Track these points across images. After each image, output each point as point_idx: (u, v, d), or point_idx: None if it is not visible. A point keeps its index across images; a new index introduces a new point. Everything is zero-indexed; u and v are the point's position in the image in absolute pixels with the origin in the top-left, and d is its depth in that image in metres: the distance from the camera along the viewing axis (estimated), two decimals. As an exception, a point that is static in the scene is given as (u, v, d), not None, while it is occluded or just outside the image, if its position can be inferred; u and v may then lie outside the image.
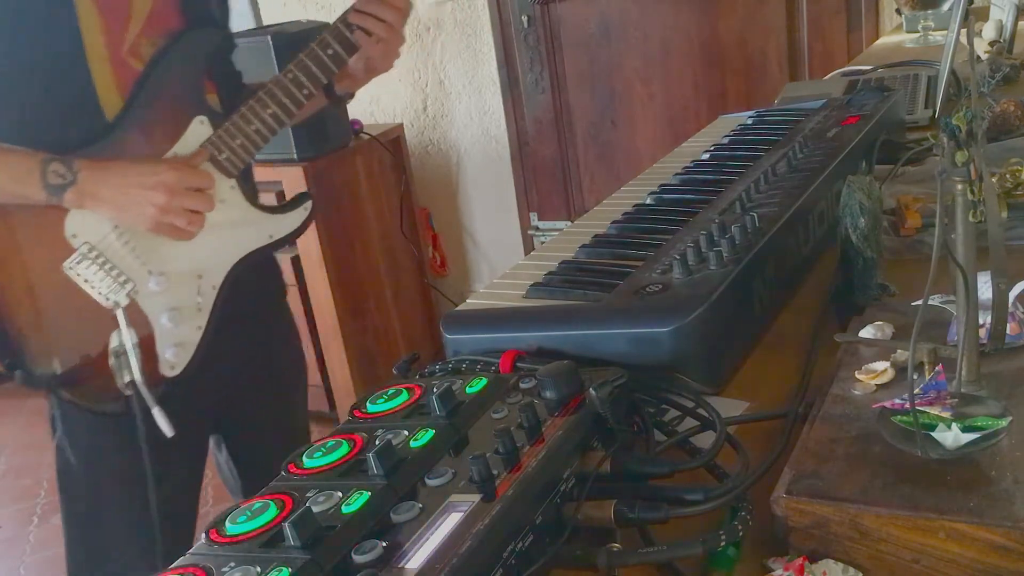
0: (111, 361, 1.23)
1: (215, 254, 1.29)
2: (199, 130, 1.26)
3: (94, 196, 1.19)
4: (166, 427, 1.24)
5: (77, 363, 1.25)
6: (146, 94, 1.23)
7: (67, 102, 1.22)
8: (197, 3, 1.30)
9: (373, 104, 3.73)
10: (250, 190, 1.32)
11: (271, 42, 2.71)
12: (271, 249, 1.34)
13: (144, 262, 1.24)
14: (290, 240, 1.35)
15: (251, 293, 1.38)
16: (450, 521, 0.64)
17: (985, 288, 0.76)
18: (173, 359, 1.27)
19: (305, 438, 1.62)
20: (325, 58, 1.28)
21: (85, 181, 1.18)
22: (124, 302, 1.22)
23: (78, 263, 1.21)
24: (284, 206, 1.34)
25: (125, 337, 1.22)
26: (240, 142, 1.27)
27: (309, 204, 1.36)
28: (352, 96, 1.44)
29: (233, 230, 1.29)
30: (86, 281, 1.21)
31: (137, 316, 1.24)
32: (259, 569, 0.61)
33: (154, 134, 1.24)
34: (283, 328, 1.59)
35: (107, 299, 1.22)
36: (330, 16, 3.52)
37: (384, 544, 0.63)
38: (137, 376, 1.22)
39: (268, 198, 3.27)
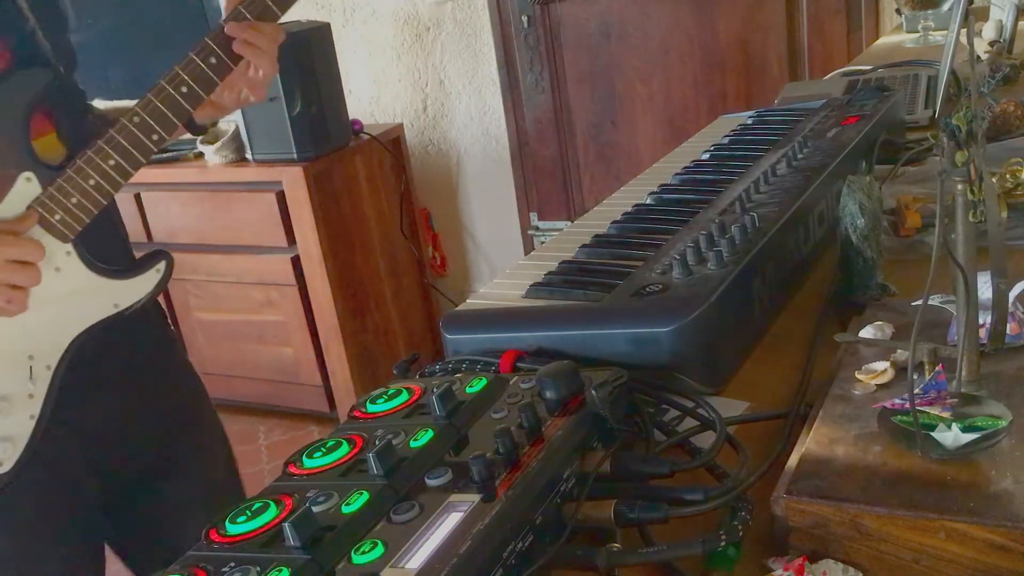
0: None
1: (49, 331, 1.11)
2: (25, 189, 1.08)
3: None
4: None
5: None
6: None
7: None
8: (20, 36, 1.11)
9: (373, 104, 3.73)
10: (94, 252, 1.13)
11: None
12: (118, 319, 1.15)
13: None
14: (141, 305, 1.17)
15: (115, 355, 1.22)
16: (450, 521, 0.64)
17: (985, 288, 0.76)
18: (1, 455, 1.09)
19: (228, 492, 1.41)
20: (179, 98, 1.10)
21: None
22: None
23: None
24: (134, 268, 1.16)
25: None
26: (76, 201, 1.08)
27: (163, 265, 1.18)
28: (215, 124, 1.28)
29: (70, 301, 1.11)
30: None
31: None
32: (259, 569, 0.61)
33: None
34: (166, 377, 1.35)
35: None
36: (330, 16, 3.53)
37: (384, 544, 0.63)
38: None
39: (268, 198, 3.27)
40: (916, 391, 0.70)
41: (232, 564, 0.63)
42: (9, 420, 1.09)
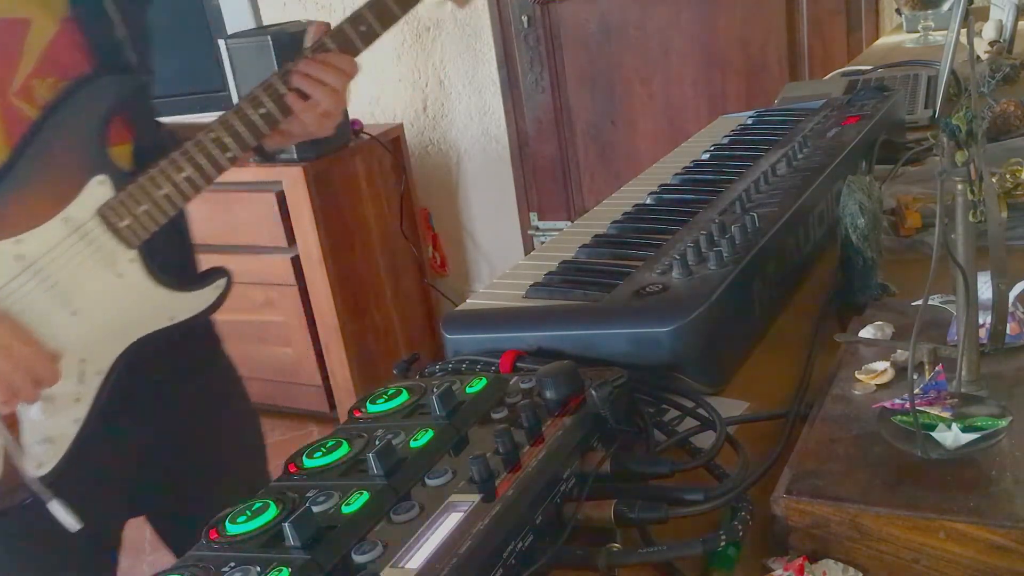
0: None
1: (103, 336, 1.10)
2: (98, 191, 1.08)
3: None
4: (69, 521, 1.06)
5: None
6: (38, 145, 1.06)
7: None
8: (108, 43, 1.11)
9: (373, 104, 3.73)
10: (160, 261, 1.13)
11: (271, 42, 2.72)
12: (172, 331, 1.15)
13: None
14: (196, 321, 1.17)
15: (162, 369, 1.21)
16: (450, 521, 0.64)
17: (985, 288, 0.76)
18: (41, 456, 1.08)
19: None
20: (256, 119, 1.12)
21: None
22: None
23: None
24: (195, 281, 1.17)
25: None
26: (146, 208, 1.09)
27: (223, 282, 1.19)
28: (283, 151, 1.30)
29: (128, 308, 1.11)
30: None
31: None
32: (259, 569, 0.61)
33: (44, 192, 1.07)
34: (217, 393, 1.36)
35: None
36: (330, 16, 3.53)
37: (384, 544, 0.63)
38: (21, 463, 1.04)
39: (268, 198, 3.27)
40: (916, 391, 0.70)
41: (232, 564, 0.63)
42: (53, 421, 1.08)
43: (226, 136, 1.11)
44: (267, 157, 1.25)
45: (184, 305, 1.16)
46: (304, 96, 1.14)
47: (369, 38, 1.16)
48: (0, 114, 1.05)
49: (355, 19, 1.16)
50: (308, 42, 1.16)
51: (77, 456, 1.09)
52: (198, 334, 1.31)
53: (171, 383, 1.25)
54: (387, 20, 1.16)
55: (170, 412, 1.26)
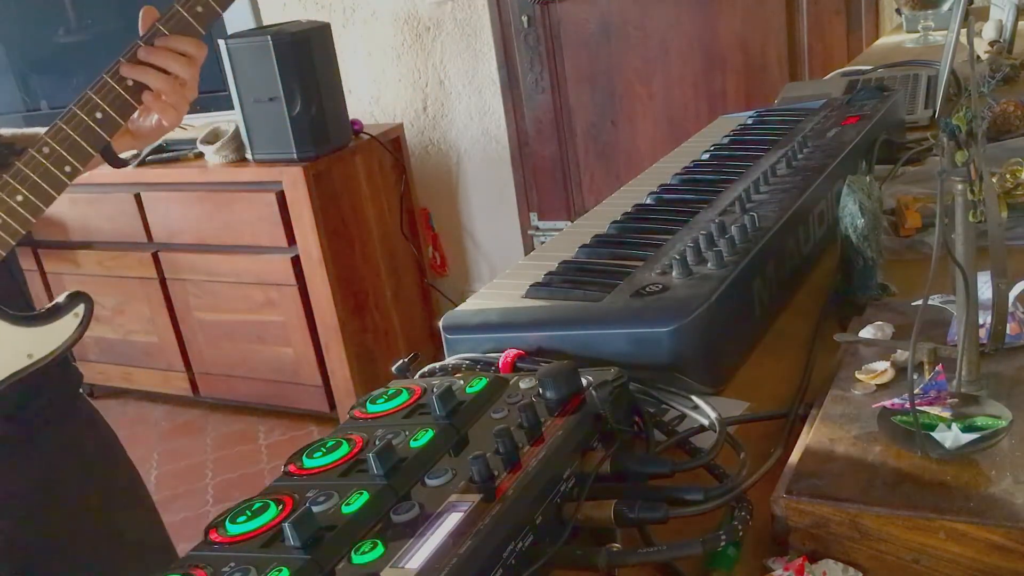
0: None
1: None
2: None
3: None
4: None
5: None
6: None
7: None
8: None
9: (373, 104, 3.73)
10: (4, 297, 1.04)
11: (271, 42, 2.72)
12: (33, 370, 1.05)
13: None
14: (58, 357, 1.06)
15: (25, 415, 1.12)
16: (450, 521, 0.64)
17: (985, 288, 0.76)
18: None
19: (154, 542, 1.27)
20: (93, 125, 1.00)
21: None
22: None
23: None
24: (48, 313, 1.06)
25: None
26: None
27: (81, 309, 1.06)
28: (137, 157, 1.18)
29: None
30: None
31: None
32: (259, 569, 0.61)
33: None
34: (86, 441, 1.24)
35: None
36: (330, 16, 3.54)
37: (384, 544, 0.63)
38: None
39: (268, 198, 3.27)
40: (916, 391, 0.70)
41: (232, 564, 0.63)
42: None
43: (61, 149, 1.00)
44: (120, 164, 1.11)
45: (41, 339, 1.04)
46: (143, 88, 1.03)
47: (208, 17, 1.05)
48: None
49: (187, 0, 1.05)
50: (141, 30, 1.05)
51: None
52: (54, 377, 1.19)
53: (35, 430, 1.15)
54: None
55: (40, 461, 1.15)
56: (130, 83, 1.02)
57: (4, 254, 1.00)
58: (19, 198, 0.99)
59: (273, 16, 3.58)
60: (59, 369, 1.18)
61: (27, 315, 1.04)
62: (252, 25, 3.50)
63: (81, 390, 1.27)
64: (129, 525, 1.25)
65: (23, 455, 1.13)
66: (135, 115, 1.06)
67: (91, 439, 1.25)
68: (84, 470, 1.22)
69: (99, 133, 1.01)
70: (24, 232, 1.01)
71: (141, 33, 1.04)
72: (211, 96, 3.10)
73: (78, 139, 1.00)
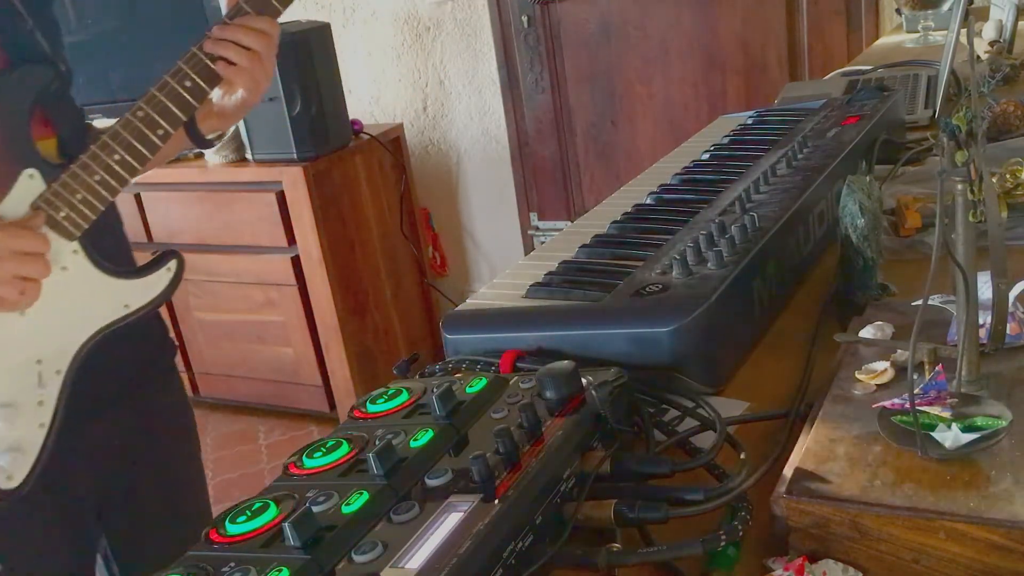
0: None
1: (57, 334, 1.06)
2: (29, 186, 1.04)
3: None
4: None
5: None
6: None
7: None
8: (14, 34, 1.09)
9: (373, 104, 3.73)
10: (103, 251, 1.10)
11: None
12: (129, 320, 1.11)
13: None
14: (153, 309, 1.13)
15: (122, 368, 1.20)
16: (450, 521, 0.64)
17: (985, 288, 0.76)
18: (9, 468, 1.04)
19: (204, 520, 1.31)
20: (183, 92, 1.08)
21: None
22: None
23: None
24: (143, 268, 1.12)
25: None
26: (82, 197, 1.05)
27: (174, 264, 1.13)
28: (222, 139, 1.25)
29: (78, 302, 1.07)
30: None
31: None
32: (259, 569, 0.61)
33: None
34: (171, 404, 1.36)
35: None
36: (330, 16, 3.54)
37: (384, 544, 0.63)
38: None
39: (268, 198, 3.27)
40: (916, 391, 0.70)
41: (232, 564, 0.63)
42: (17, 429, 1.04)
43: (154, 112, 1.07)
44: (206, 144, 1.21)
45: (137, 291, 1.11)
46: (228, 63, 1.10)
47: (286, 1, 1.14)
48: None
49: None
50: (224, 10, 1.13)
51: (47, 465, 1.06)
52: (155, 339, 1.32)
53: (132, 389, 1.24)
54: None
55: (132, 419, 1.25)
56: (214, 58, 1.10)
57: (103, 208, 1.07)
58: (116, 157, 1.06)
59: (273, 16, 3.57)
60: (158, 334, 1.33)
61: (124, 269, 1.12)
62: (252, 25, 3.50)
63: (174, 363, 1.38)
64: (189, 495, 1.38)
65: (124, 411, 1.24)
66: (219, 95, 1.15)
67: (179, 405, 1.37)
68: (169, 433, 1.34)
69: (188, 100, 1.09)
70: (120, 189, 1.08)
71: (226, 11, 1.13)
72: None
73: (169, 104, 1.08)
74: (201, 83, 1.09)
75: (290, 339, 3.21)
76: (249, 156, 3.04)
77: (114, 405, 1.21)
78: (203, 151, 3.11)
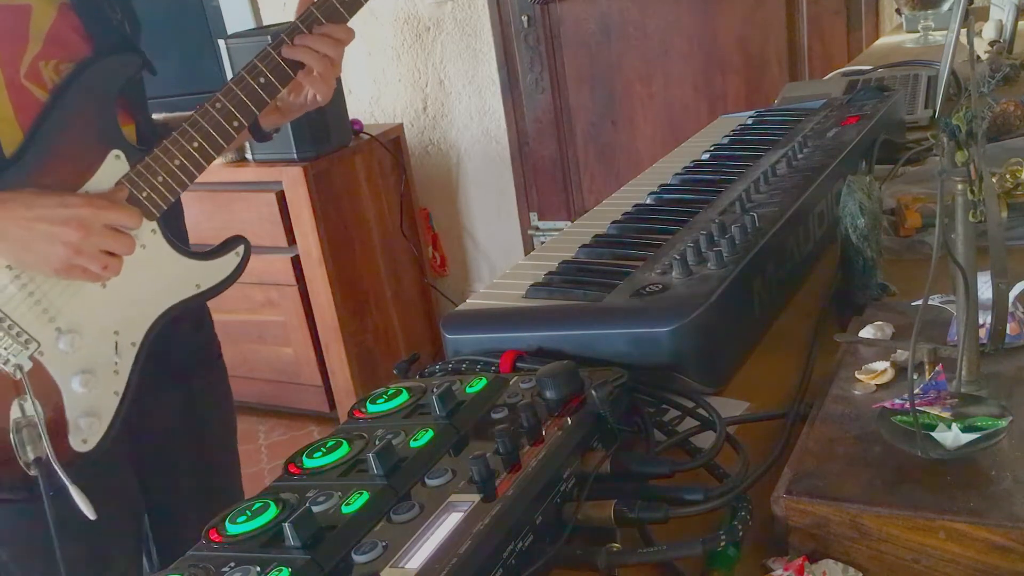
0: (11, 437, 1.03)
1: (134, 307, 1.12)
2: (115, 166, 1.11)
3: None
4: (87, 509, 1.04)
5: None
6: (52, 126, 1.08)
7: None
8: (104, 25, 1.15)
9: (373, 104, 3.73)
10: (175, 233, 1.17)
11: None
12: (199, 300, 1.18)
13: (51, 317, 1.07)
14: (221, 290, 1.19)
15: (179, 350, 1.27)
16: (450, 521, 0.64)
17: (985, 288, 0.76)
18: (87, 430, 1.09)
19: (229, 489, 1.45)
20: (257, 88, 1.15)
21: None
22: (27, 365, 1.05)
23: None
24: (214, 251, 1.19)
25: (30, 406, 1.03)
26: (162, 179, 1.12)
27: (242, 248, 1.19)
28: (277, 131, 1.31)
29: (155, 279, 1.14)
30: None
31: (43, 381, 1.07)
32: (259, 569, 0.61)
33: (62, 171, 1.08)
34: (216, 392, 1.42)
35: (6, 362, 1.04)
36: (330, 16, 3.53)
37: (384, 544, 0.63)
38: (48, 451, 1.03)
39: (268, 198, 3.27)
40: (916, 391, 0.70)
41: (232, 564, 0.63)
42: (95, 394, 1.10)
43: (230, 105, 1.14)
44: (262, 137, 1.26)
45: (208, 272, 1.18)
46: (300, 65, 1.17)
47: (354, 6, 1.18)
48: (12, 98, 1.07)
49: None
50: (296, 12, 1.18)
51: (117, 431, 1.12)
52: (207, 328, 1.41)
53: (187, 371, 1.32)
54: None
55: (180, 401, 1.32)
56: (287, 60, 1.16)
57: (181, 191, 1.14)
58: (195, 144, 1.13)
59: (273, 16, 3.58)
60: (209, 324, 1.42)
61: (197, 251, 1.18)
62: (252, 25, 3.50)
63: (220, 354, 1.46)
64: (226, 481, 1.44)
65: (177, 392, 1.30)
66: (285, 93, 1.20)
67: (222, 394, 1.44)
68: (212, 419, 1.40)
69: (261, 95, 1.15)
70: (198, 174, 1.14)
71: (296, 15, 1.18)
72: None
73: (245, 98, 1.14)
74: (275, 81, 1.16)
75: (290, 339, 3.21)
76: (249, 156, 3.04)
77: (169, 386, 1.27)
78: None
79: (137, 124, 1.19)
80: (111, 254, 1.07)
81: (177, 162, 1.12)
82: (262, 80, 1.15)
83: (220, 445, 1.43)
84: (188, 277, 1.16)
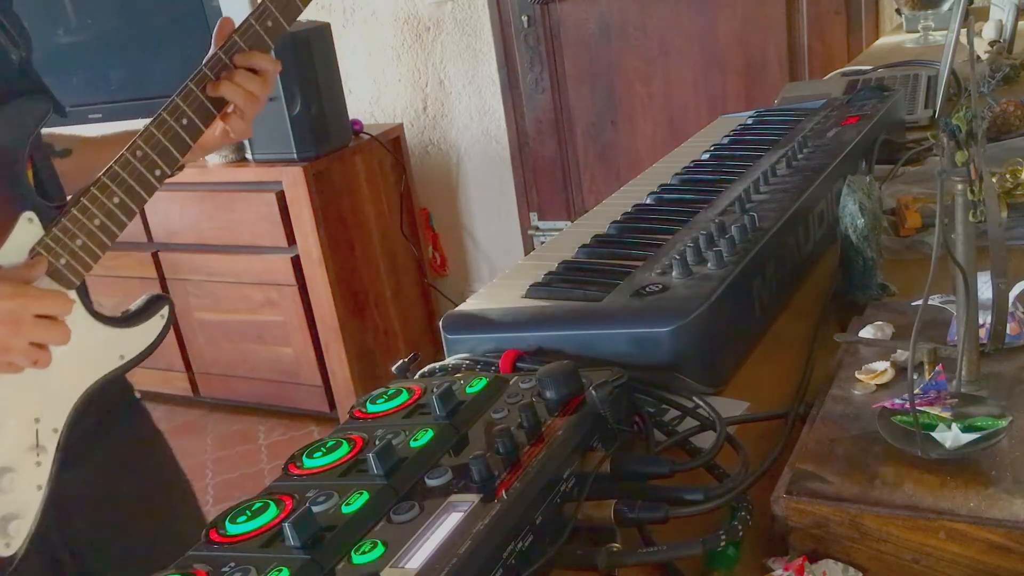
0: None
1: (55, 389, 1.00)
2: (28, 231, 0.97)
3: None
4: None
5: None
6: None
7: None
8: (15, 70, 1.02)
9: (373, 104, 3.73)
10: (90, 300, 1.05)
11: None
12: (123, 372, 1.06)
13: None
14: (145, 358, 1.07)
15: (96, 416, 1.12)
16: (450, 521, 0.64)
17: (985, 288, 0.76)
18: (12, 534, 0.97)
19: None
20: (180, 130, 1.04)
21: None
22: None
23: None
24: (135, 315, 1.07)
25: None
26: (82, 243, 0.99)
27: (166, 311, 1.08)
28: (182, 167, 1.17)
29: (76, 355, 1.01)
30: None
31: None
32: (259, 569, 0.61)
33: None
34: (139, 434, 1.26)
35: None
36: (330, 16, 3.53)
37: (384, 544, 0.63)
38: None
39: (268, 198, 3.27)
40: (916, 391, 0.70)
41: (232, 564, 0.63)
42: (16, 494, 0.98)
43: (153, 153, 1.03)
44: (178, 169, 1.14)
45: (131, 340, 1.06)
46: (223, 103, 1.08)
47: (276, 32, 1.09)
48: None
49: (261, 14, 1.08)
50: (216, 41, 1.09)
51: (42, 527, 1.00)
52: (117, 384, 1.21)
53: (103, 430, 1.16)
54: (291, 14, 1.09)
55: (106, 462, 1.17)
56: (211, 96, 1.07)
57: (102, 255, 1.02)
58: (116, 200, 1.02)
59: (273, 16, 3.57)
60: (136, 406, 1.24)
61: (117, 317, 1.06)
62: (252, 25, 3.50)
63: (136, 395, 1.28)
64: (177, 522, 1.28)
65: (89, 460, 1.14)
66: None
67: (147, 439, 1.28)
68: (142, 470, 1.25)
69: (184, 138, 1.05)
70: (119, 233, 1.03)
71: (217, 44, 1.08)
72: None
73: (167, 144, 1.04)
74: (198, 122, 1.06)
75: (290, 339, 3.21)
76: (249, 156, 3.04)
77: (84, 455, 1.12)
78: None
79: (35, 167, 1.05)
80: (41, 346, 0.96)
81: (97, 222, 1.00)
82: (184, 122, 1.04)
83: (162, 490, 1.29)
84: (111, 348, 1.04)
